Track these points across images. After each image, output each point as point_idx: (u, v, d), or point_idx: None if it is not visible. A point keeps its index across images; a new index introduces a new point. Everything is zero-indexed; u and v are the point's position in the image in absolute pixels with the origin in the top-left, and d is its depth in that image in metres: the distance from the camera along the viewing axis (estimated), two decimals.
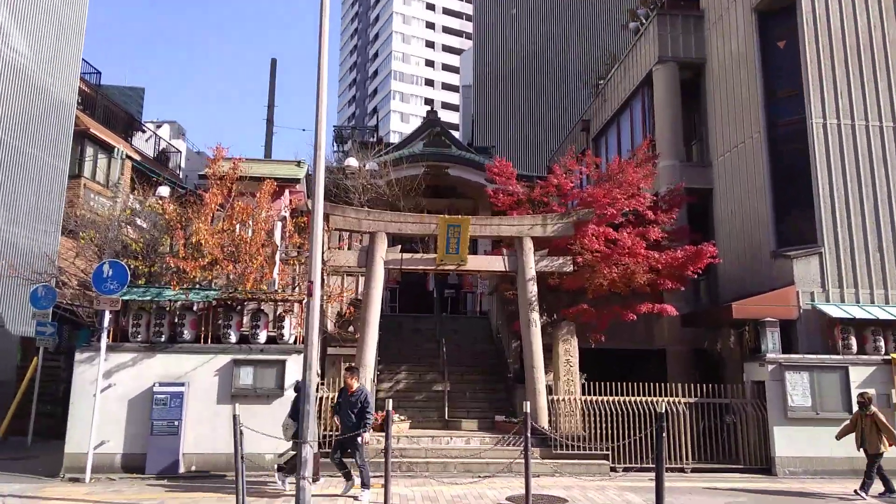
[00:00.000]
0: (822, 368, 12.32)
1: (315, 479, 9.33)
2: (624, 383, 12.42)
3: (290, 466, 9.60)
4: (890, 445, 10.19)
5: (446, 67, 79.13)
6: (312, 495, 8.57)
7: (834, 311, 12.93)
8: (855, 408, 10.89)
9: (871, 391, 10.98)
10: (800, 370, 12.21)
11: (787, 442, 12.00)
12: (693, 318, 15.39)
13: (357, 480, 9.46)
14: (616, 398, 12.31)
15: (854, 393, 11.63)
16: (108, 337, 11.12)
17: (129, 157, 21.88)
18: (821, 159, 14.01)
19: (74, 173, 19.16)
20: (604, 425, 12.16)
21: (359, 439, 9.39)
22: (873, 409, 10.33)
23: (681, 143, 17.53)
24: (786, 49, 15.13)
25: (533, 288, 13.26)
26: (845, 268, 13.66)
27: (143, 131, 26.91)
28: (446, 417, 13.88)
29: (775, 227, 14.53)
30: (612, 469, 11.82)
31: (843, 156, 14.06)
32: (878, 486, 10.26)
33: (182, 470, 10.91)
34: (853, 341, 12.71)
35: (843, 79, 14.35)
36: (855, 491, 10.20)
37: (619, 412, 12.16)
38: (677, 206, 15.38)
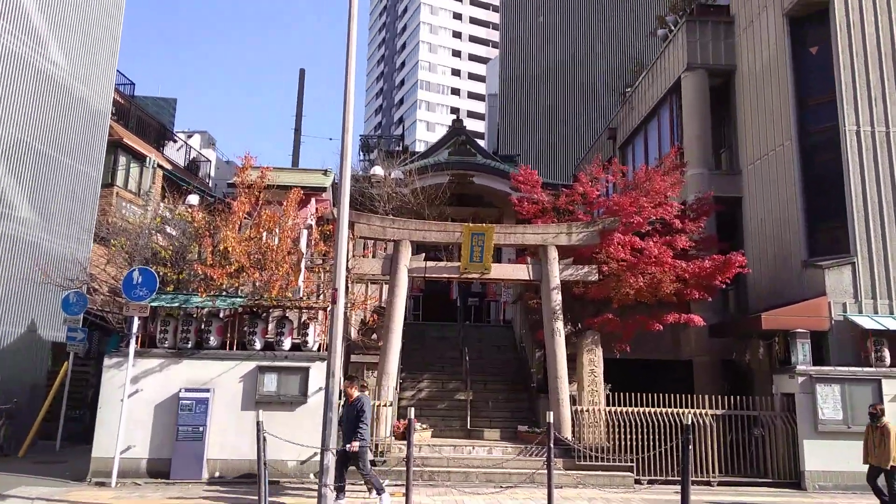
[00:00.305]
0: (855, 381, 11.99)
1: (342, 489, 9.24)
2: (649, 394, 12.23)
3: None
4: None
5: (472, 76, 79.35)
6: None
7: (867, 322, 12.59)
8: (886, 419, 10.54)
9: (883, 405, 10.60)
10: (831, 382, 11.91)
11: (817, 456, 11.69)
12: (721, 329, 15.12)
13: (344, 499, 9.14)
14: (641, 409, 12.12)
15: (889, 406, 11.27)
16: (137, 343, 11.31)
17: (160, 166, 22.31)
18: (854, 167, 13.69)
19: (107, 182, 19.58)
20: (628, 437, 11.98)
21: (359, 449, 9.10)
22: (885, 420, 10.01)
23: (709, 151, 17.29)
24: (818, 55, 14.85)
25: (557, 297, 13.16)
26: (879, 278, 13.30)
27: (175, 141, 27.42)
28: (468, 427, 13.82)
29: (807, 236, 14.22)
30: (637, 481, 11.63)
31: (877, 164, 13.72)
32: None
33: (206, 475, 11.02)
34: (886, 353, 12.35)
35: (877, 85, 14.02)
36: None
37: (645, 423, 11.97)
38: (705, 215, 15.16)
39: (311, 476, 10.91)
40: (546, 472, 8.71)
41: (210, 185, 27.95)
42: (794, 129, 14.74)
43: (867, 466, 9.90)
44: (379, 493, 9.16)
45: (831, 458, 11.67)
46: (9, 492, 9.69)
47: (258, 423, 8.85)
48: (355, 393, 9.45)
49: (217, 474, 11.12)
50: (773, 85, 15.55)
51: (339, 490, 9.03)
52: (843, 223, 13.69)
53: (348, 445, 9.13)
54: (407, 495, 8.59)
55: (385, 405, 12.23)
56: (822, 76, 14.60)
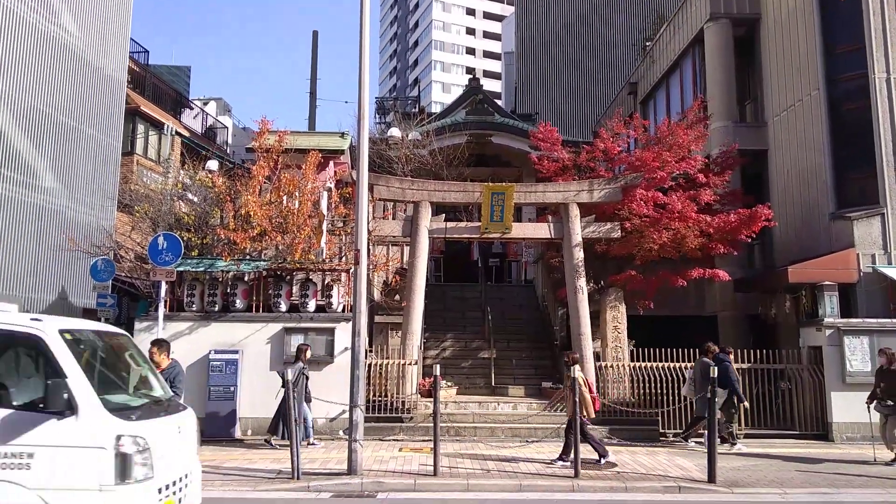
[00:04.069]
0: (883, 332, 11.85)
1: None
2: (673, 350, 12.22)
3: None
4: None
5: (488, 35, 77.86)
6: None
7: None
8: None
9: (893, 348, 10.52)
10: (859, 334, 11.79)
11: (844, 408, 11.65)
12: (746, 283, 15.00)
13: None
14: (666, 364, 12.13)
15: None
16: (165, 307, 11.47)
17: (178, 133, 22.34)
18: (884, 115, 13.33)
19: (127, 150, 19.69)
20: (653, 392, 12.02)
21: None
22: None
23: (734, 103, 16.90)
24: (846, 2, 14.33)
25: (579, 254, 13.10)
26: None
27: (191, 108, 27.40)
28: (493, 384, 13.96)
29: (835, 187, 13.94)
30: (662, 435, 11.72)
31: None
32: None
33: (238, 434, 11.30)
34: None
35: None
36: None
37: (669, 378, 12.00)
38: (730, 169, 14.90)
39: (341, 432, 11.13)
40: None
41: (228, 151, 27.97)
42: (821, 78, 14.33)
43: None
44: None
45: (859, 409, 11.60)
46: None
47: (287, 381, 9.01)
48: (165, 361, 8.06)
49: (249, 432, 11.39)
50: (800, 33, 15.07)
51: None
52: (871, 173, 13.40)
53: None
54: (435, 450, 8.73)
55: (410, 364, 12.38)
56: (850, 23, 14.13)
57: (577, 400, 8.85)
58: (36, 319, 5.07)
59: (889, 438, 9.88)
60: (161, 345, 8.18)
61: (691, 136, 14.34)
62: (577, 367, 9.37)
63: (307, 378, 10.53)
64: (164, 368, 7.86)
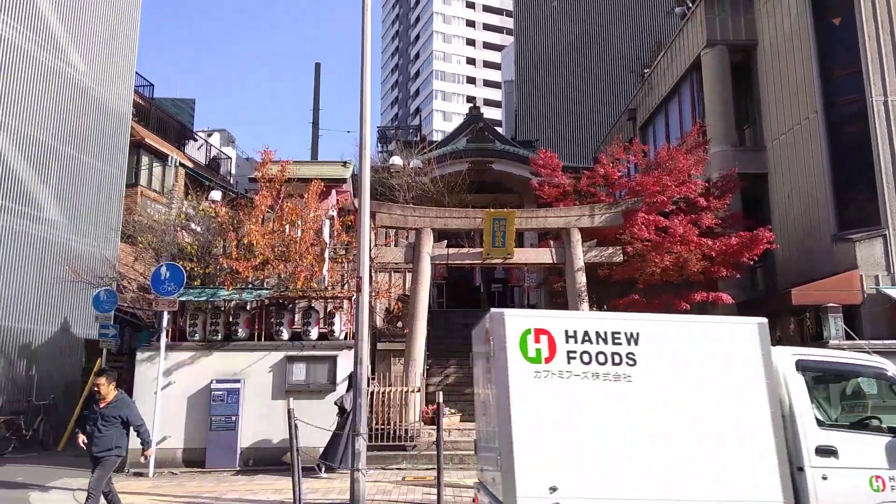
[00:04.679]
0: (889, 355, 11.65)
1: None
2: None
3: None
4: None
5: (488, 64, 78.88)
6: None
7: None
8: None
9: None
10: None
11: None
12: (750, 306, 14.87)
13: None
14: None
15: None
16: (168, 336, 11.50)
17: (182, 164, 22.58)
18: (882, 138, 13.39)
19: (131, 182, 19.88)
20: None
21: (114, 459, 7.57)
22: None
23: (732, 127, 17.02)
24: (842, 26, 14.50)
25: (582, 279, 13.08)
26: None
27: (195, 140, 27.72)
28: None
29: (836, 209, 13.95)
30: None
31: None
32: None
33: (240, 464, 11.18)
34: None
35: None
36: None
37: None
38: (730, 192, 14.95)
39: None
40: None
41: (231, 182, 28.22)
42: (819, 101, 14.44)
43: None
44: None
45: None
46: (51, 483, 9.93)
47: (290, 410, 8.94)
48: (112, 393, 7.52)
49: (250, 462, 11.28)
50: (797, 58, 15.24)
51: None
52: (872, 195, 13.42)
53: (145, 454, 8.00)
54: (438, 478, 8.62)
55: (413, 391, 12.28)
56: (846, 47, 14.28)
57: None
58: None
59: None
60: (109, 375, 7.74)
61: (691, 160, 14.42)
62: None
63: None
64: (110, 401, 7.41)
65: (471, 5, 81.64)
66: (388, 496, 9.06)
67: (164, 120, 24.94)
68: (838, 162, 14.17)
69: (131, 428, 7.60)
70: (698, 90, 18.15)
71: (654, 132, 21.37)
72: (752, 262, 14.10)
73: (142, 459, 7.61)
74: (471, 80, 79.69)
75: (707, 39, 17.24)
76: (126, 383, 16.19)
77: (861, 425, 6.12)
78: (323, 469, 10.45)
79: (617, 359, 5.61)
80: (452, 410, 13.15)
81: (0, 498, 8.76)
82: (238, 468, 11.11)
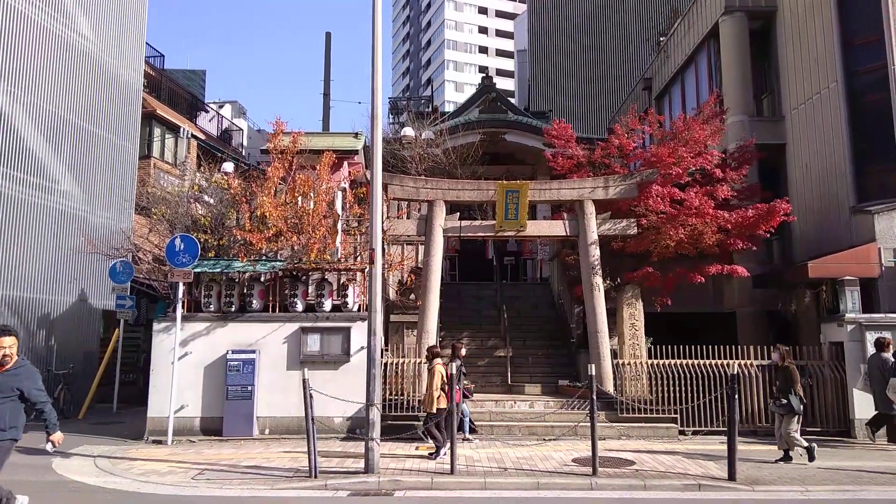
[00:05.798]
0: None
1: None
2: (692, 346, 12.11)
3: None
4: None
5: (500, 33, 77.73)
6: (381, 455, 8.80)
7: None
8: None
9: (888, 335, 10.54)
10: (882, 330, 11.56)
11: (867, 404, 11.44)
12: (765, 279, 14.82)
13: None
14: (684, 361, 12.01)
15: None
16: (183, 308, 11.62)
17: (194, 136, 22.55)
18: None
19: (144, 154, 19.90)
20: (671, 389, 11.90)
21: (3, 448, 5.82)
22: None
23: (750, 96, 16.71)
24: None
25: (595, 252, 13.02)
26: None
27: (207, 111, 27.64)
28: (509, 382, 13.92)
29: (855, 181, 13.73)
30: (681, 432, 11.62)
31: None
32: None
33: (256, 433, 11.36)
34: None
35: None
36: None
37: (687, 376, 11.88)
38: (747, 163, 14.74)
39: (357, 431, 11.16)
40: (589, 423, 8.73)
41: (243, 153, 28.18)
42: (839, 70, 14.13)
43: None
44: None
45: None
46: (73, 450, 10.15)
47: (304, 380, 9.03)
48: (15, 358, 5.89)
49: (267, 431, 11.45)
50: (817, 25, 14.87)
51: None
52: (892, 166, 13.20)
53: (51, 440, 6.01)
54: (452, 448, 8.71)
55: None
56: (868, 13, 13.91)
57: (445, 392, 9.54)
58: None
59: (783, 437, 9.74)
60: (17, 335, 6.05)
61: (707, 130, 14.20)
62: (436, 359, 10.24)
63: (465, 374, 11.14)
64: (9, 368, 5.78)
65: None
66: (401, 464, 9.18)
67: (175, 91, 24.85)
68: (858, 132, 13.90)
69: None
70: (715, 58, 17.81)
71: (671, 102, 21.05)
72: (768, 235, 13.96)
73: (47, 447, 6.05)
74: (483, 50, 78.67)
75: (725, 6, 16.85)
76: (144, 353, 16.56)
77: None
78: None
79: None
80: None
81: (24, 464, 8.97)
82: (255, 436, 11.29)
